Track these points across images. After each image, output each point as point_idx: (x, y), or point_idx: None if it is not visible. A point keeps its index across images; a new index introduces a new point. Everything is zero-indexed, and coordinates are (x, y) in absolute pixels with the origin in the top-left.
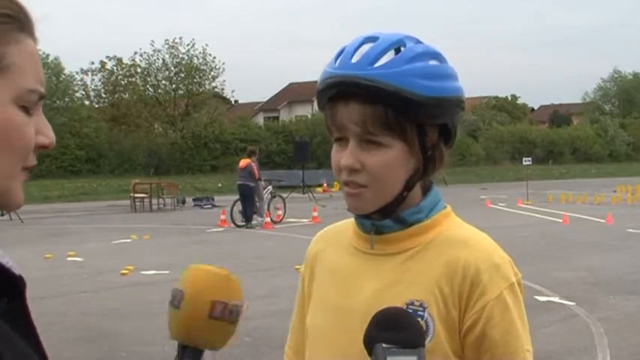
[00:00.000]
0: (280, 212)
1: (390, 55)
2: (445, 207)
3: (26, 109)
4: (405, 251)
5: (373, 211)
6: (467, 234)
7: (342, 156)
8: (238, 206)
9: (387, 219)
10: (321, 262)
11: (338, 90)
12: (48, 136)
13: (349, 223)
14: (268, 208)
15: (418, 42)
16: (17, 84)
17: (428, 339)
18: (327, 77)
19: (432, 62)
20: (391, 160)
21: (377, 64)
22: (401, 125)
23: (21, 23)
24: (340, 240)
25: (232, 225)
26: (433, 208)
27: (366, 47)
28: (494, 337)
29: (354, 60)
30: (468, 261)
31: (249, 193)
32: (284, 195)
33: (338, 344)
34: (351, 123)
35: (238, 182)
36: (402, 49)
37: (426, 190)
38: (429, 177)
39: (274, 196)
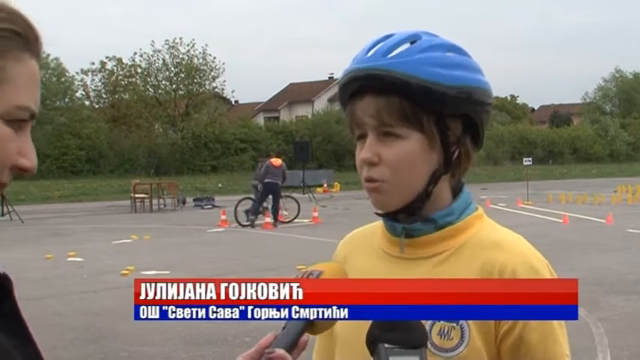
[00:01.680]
0: (281, 212)
1: (404, 47)
2: (477, 209)
3: (14, 126)
4: (436, 255)
5: (399, 209)
6: (501, 236)
7: (362, 151)
8: (242, 206)
9: (416, 222)
10: (349, 266)
11: (356, 85)
12: (30, 159)
13: (377, 225)
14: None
15: (435, 36)
16: (8, 99)
17: (463, 345)
18: (344, 74)
19: (450, 54)
20: (409, 152)
21: (390, 55)
22: (417, 115)
23: (27, 42)
24: (369, 243)
25: (236, 224)
26: (465, 210)
27: (382, 43)
28: (532, 342)
29: (369, 55)
30: (505, 264)
31: (278, 191)
32: (283, 194)
33: (367, 353)
34: (367, 116)
35: (268, 180)
36: (418, 41)
37: (456, 192)
38: (456, 176)
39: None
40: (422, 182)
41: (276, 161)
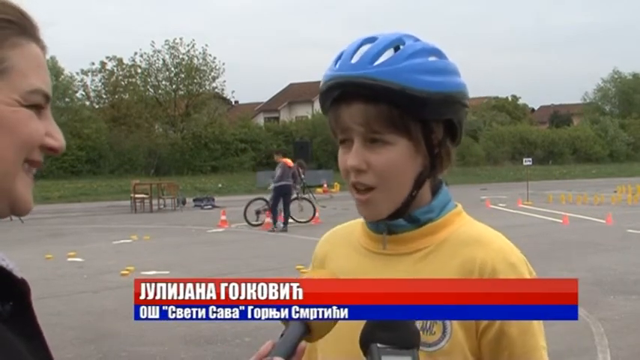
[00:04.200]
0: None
1: (389, 53)
2: (456, 206)
3: (33, 110)
4: (417, 251)
5: (387, 216)
6: (480, 232)
7: (349, 157)
8: (254, 205)
9: (399, 218)
10: (330, 263)
11: (340, 91)
12: (58, 139)
13: (356, 223)
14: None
15: (417, 40)
16: (18, 86)
17: (445, 340)
18: (328, 80)
19: (432, 58)
20: (397, 158)
21: (376, 63)
22: (405, 122)
23: (22, 28)
24: (349, 240)
25: (236, 225)
26: (444, 207)
27: (365, 48)
28: (512, 335)
29: (353, 60)
30: (485, 261)
31: (288, 192)
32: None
33: (349, 347)
34: (354, 123)
35: (282, 183)
36: (401, 46)
37: (435, 190)
38: (437, 176)
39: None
40: (408, 187)
41: (288, 162)
